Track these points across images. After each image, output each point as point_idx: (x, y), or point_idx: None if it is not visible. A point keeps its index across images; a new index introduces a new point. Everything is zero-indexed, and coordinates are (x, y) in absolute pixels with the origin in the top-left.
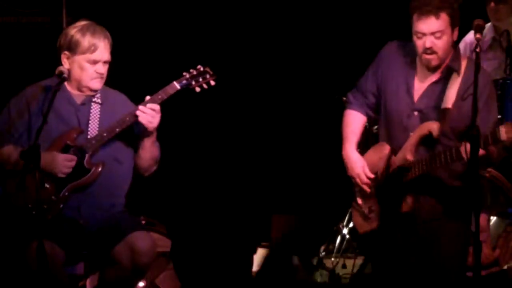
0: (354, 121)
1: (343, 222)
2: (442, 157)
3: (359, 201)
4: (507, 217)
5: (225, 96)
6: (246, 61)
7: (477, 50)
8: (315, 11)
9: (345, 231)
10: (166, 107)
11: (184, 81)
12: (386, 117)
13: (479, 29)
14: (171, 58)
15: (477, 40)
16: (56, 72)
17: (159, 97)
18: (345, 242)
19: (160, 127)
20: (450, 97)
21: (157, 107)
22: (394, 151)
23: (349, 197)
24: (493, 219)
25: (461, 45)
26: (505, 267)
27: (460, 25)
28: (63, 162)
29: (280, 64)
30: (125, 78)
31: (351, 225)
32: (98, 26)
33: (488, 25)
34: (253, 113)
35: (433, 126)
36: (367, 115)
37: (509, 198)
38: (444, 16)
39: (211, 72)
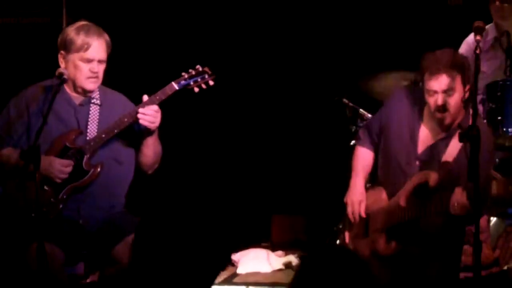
0: (364, 157)
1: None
2: (433, 207)
3: (347, 239)
4: (507, 217)
5: (225, 96)
6: (246, 61)
7: (477, 51)
8: (315, 12)
9: None
10: (166, 107)
11: (183, 82)
12: (385, 160)
13: (479, 31)
14: (170, 58)
15: (477, 42)
16: (56, 73)
17: (157, 97)
18: None
19: (161, 128)
20: (452, 153)
21: (156, 107)
22: (389, 195)
23: None
24: (493, 219)
25: (464, 46)
26: (505, 267)
27: (461, 26)
28: (60, 168)
29: (280, 65)
30: (124, 78)
31: None
32: (94, 26)
33: (490, 25)
34: (253, 114)
35: (432, 176)
36: (375, 152)
37: None
38: (455, 74)
39: (209, 72)
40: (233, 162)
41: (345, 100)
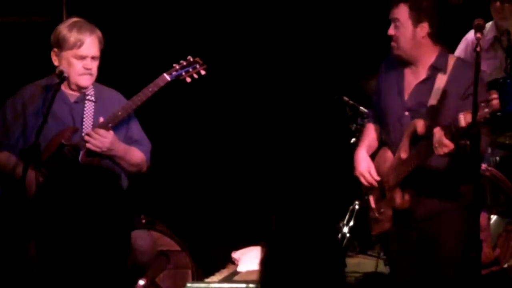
0: (368, 131)
1: (343, 220)
2: (424, 153)
3: (372, 204)
4: (507, 216)
5: (224, 95)
6: (245, 60)
7: (478, 49)
8: (315, 9)
9: (345, 229)
10: (165, 107)
11: (174, 73)
12: (385, 122)
13: (479, 29)
14: (161, 52)
15: (477, 39)
16: (56, 71)
17: (150, 89)
18: (345, 241)
19: (161, 127)
20: (436, 95)
21: (103, 132)
22: (394, 153)
23: (349, 196)
24: (493, 218)
25: (462, 44)
26: (505, 266)
27: (459, 25)
28: None
29: (280, 63)
30: (118, 73)
31: (351, 223)
32: (87, 22)
33: (490, 24)
34: (252, 112)
35: (419, 123)
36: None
37: (509, 197)
38: (402, 7)
39: (201, 62)
40: (233, 162)
41: (345, 98)
